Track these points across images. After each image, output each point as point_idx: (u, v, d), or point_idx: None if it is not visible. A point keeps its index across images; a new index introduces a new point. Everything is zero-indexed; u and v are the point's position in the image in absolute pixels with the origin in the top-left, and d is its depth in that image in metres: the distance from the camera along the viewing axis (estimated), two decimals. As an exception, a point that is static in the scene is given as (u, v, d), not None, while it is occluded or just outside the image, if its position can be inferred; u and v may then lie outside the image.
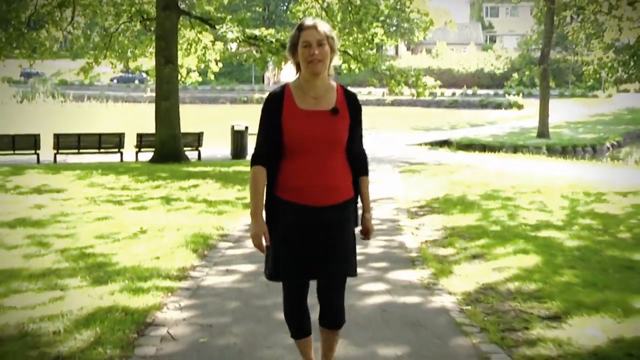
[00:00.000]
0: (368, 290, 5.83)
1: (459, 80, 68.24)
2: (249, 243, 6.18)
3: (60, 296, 5.31)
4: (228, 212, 9.99)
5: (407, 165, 18.59)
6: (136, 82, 67.55)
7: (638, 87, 53.77)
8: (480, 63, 70.95)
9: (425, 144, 27.64)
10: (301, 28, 3.49)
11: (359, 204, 3.73)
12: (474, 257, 7.38)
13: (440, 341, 4.62)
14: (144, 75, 47.08)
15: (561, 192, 13.30)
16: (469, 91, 63.29)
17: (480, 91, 62.92)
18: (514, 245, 7.92)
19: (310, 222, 3.50)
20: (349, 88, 3.69)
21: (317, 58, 3.44)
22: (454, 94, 61.97)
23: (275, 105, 3.52)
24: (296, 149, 3.49)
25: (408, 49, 79.61)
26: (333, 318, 3.72)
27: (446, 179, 15.06)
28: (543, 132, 30.67)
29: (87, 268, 6.32)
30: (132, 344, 4.37)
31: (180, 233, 8.09)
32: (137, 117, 39.79)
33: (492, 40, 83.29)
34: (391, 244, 7.96)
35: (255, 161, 3.57)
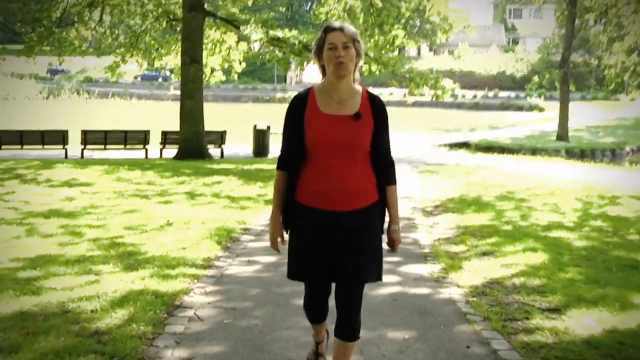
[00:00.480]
0: (381, 282, 6.21)
1: (481, 82, 68.32)
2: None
3: (96, 280, 5.74)
4: (250, 207, 10.41)
5: (425, 165, 18.93)
6: (160, 80, 68.29)
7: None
8: (502, 65, 70.97)
9: (445, 145, 27.89)
10: (327, 30, 3.50)
11: (386, 213, 3.69)
12: (484, 254, 7.73)
13: (445, 327, 5.00)
14: (168, 73, 47.73)
15: (575, 194, 13.57)
16: (490, 93, 63.29)
17: (501, 93, 62.91)
18: (523, 243, 8.24)
19: (329, 226, 3.49)
20: (371, 89, 3.76)
21: (343, 60, 3.42)
22: (475, 96, 62.02)
23: (298, 109, 3.54)
24: (317, 153, 3.48)
25: (430, 50, 79.73)
26: (348, 330, 3.62)
27: (463, 179, 15.37)
28: (562, 135, 30.81)
29: (119, 256, 6.75)
30: (162, 323, 4.79)
31: (204, 226, 8.51)
32: (160, 115, 40.39)
33: (515, 42, 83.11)
34: (406, 240, 8.31)
35: (278, 165, 3.64)
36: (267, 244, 7.69)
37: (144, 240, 7.59)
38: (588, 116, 44.47)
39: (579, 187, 14.81)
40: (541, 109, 52.36)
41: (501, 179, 15.65)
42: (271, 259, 7.01)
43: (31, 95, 57.90)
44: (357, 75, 3.58)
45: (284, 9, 75.15)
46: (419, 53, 78.56)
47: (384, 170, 3.60)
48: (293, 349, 4.39)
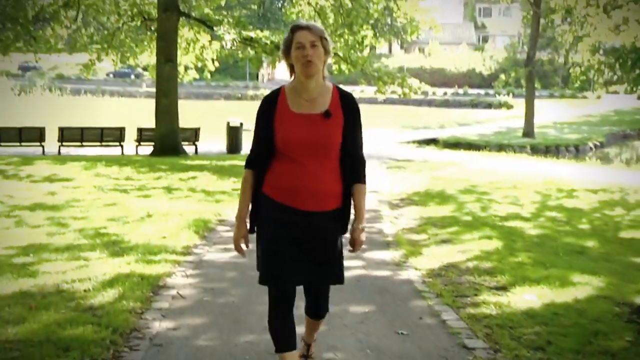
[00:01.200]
0: (346, 265, 6.67)
1: (451, 79, 69.23)
2: None
3: (85, 265, 6.27)
4: (224, 200, 10.95)
5: (394, 161, 19.56)
6: (132, 77, 68.25)
7: (627, 89, 54.70)
8: (472, 63, 72.03)
9: (414, 142, 28.63)
10: (294, 30, 3.52)
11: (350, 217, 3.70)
12: (443, 241, 8.36)
13: (401, 302, 5.62)
14: (140, 70, 47.93)
15: (536, 188, 14.30)
16: (460, 91, 64.26)
17: (471, 91, 63.88)
18: (480, 232, 8.91)
19: (296, 224, 3.51)
20: (342, 86, 3.72)
21: (311, 59, 3.45)
22: (445, 94, 62.92)
23: (268, 108, 3.56)
24: (287, 152, 3.50)
25: (401, 47, 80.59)
26: (317, 311, 3.88)
27: (429, 174, 16.03)
28: (528, 131, 31.74)
29: (104, 244, 7.27)
30: (149, 300, 5.35)
31: (182, 218, 9.04)
32: (134, 112, 40.62)
33: (485, 40, 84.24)
34: (371, 230, 8.89)
35: (247, 164, 3.66)
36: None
37: (126, 231, 8.10)
38: (556, 113, 45.55)
39: (539, 181, 15.55)
40: (510, 106, 53.40)
41: (465, 174, 16.33)
42: (245, 247, 7.56)
43: (2, 92, 57.66)
44: (326, 72, 3.60)
45: (255, 7, 75.45)
46: (390, 50, 79.40)
47: (354, 167, 3.60)
48: (266, 320, 4.96)
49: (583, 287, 6.14)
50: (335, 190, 3.55)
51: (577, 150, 29.65)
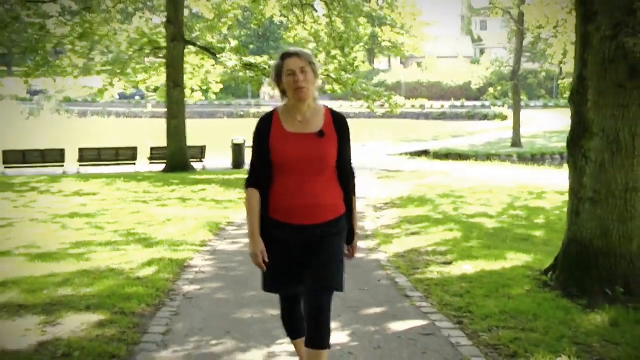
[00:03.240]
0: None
1: (448, 92, 70.81)
2: None
3: (125, 253, 8.09)
4: (232, 207, 12.79)
5: (385, 172, 21.37)
6: (137, 98, 70.08)
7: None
8: (468, 76, 73.86)
9: (407, 153, 30.40)
10: (284, 57, 3.70)
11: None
12: (413, 233, 10.15)
13: (367, 272, 7.43)
14: (144, 92, 49.87)
15: (510, 192, 16.02)
16: (457, 103, 65.91)
17: (468, 103, 65.50)
18: (446, 226, 10.68)
19: (299, 239, 3.71)
20: (334, 102, 4.61)
21: (302, 85, 3.62)
22: (442, 106, 64.60)
23: (264, 129, 3.73)
24: (285, 171, 3.66)
25: (401, 62, 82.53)
26: (318, 337, 3.66)
27: (415, 183, 17.82)
28: (516, 141, 33.56)
29: (136, 240, 9.10)
30: (178, 274, 7.17)
31: (197, 221, 10.87)
32: (141, 132, 42.48)
33: (482, 52, 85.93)
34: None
35: (248, 184, 3.81)
36: (246, 230, 10.17)
37: (152, 231, 9.93)
38: (548, 122, 47.20)
39: (515, 186, 17.29)
40: (504, 117, 54.98)
41: (448, 181, 18.08)
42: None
43: (12, 116, 59.50)
44: (316, 94, 3.78)
45: (255, 22, 77.38)
46: (389, 66, 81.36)
47: (346, 181, 3.82)
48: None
49: (513, 261, 7.91)
50: (334, 202, 3.76)
51: (561, 158, 31.14)
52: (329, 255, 3.72)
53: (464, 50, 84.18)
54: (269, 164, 3.70)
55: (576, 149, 6.57)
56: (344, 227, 3.82)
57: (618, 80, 6.15)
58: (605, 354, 4.64)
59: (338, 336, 5.01)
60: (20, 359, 4.37)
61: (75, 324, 5.14)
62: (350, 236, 3.90)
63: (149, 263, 7.51)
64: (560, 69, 49.36)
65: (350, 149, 3.85)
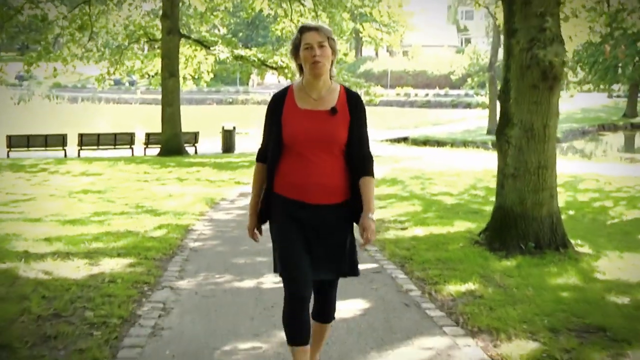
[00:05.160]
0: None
1: (433, 81, 72.54)
2: (240, 202, 10.82)
3: (137, 220, 9.76)
4: (224, 186, 14.47)
5: (364, 157, 23.00)
6: (127, 84, 71.23)
7: (591, 88, 57.86)
8: (453, 65, 75.49)
9: (387, 140, 32.06)
10: (303, 30, 3.61)
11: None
12: (380, 207, 11.81)
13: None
14: (134, 78, 51.34)
15: (476, 175, 17.75)
16: (442, 92, 67.62)
17: (452, 91, 67.27)
18: (409, 202, 12.41)
19: (305, 218, 3.63)
20: None
21: (319, 60, 3.53)
22: (427, 95, 66.38)
23: (277, 106, 3.68)
24: (295, 147, 3.61)
25: (387, 50, 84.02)
26: (325, 314, 3.90)
27: (390, 166, 19.49)
28: (491, 129, 35.31)
29: (145, 211, 10.77)
30: (184, 235, 8.86)
31: (195, 196, 12.53)
32: (132, 118, 44.03)
33: (468, 42, 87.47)
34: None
35: (257, 158, 3.82)
36: (240, 205, 11.87)
37: (157, 204, 11.60)
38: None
39: (481, 170, 18.99)
40: (486, 106, 56.53)
41: (421, 166, 19.79)
42: (241, 212, 11.08)
43: (2, 101, 60.45)
44: (333, 72, 3.71)
45: (245, 15, 78.61)
46: (376, 54, 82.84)
47: (360, 162, 3.68)
48: (259, 244, 8.49)
49: (458, 227, 9.62)
50: (340, 184, 3.66)
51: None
52: (341, 241, 3.71)
53: (449, 39, 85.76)
54: (279, 140, 3.65)
55: (502, 136, 8.28)
56: (353, 211, 3.72)
57: (532, 82, 7.88)
58: (500, 281, 6.39)
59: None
60: (78, 283, 6.05)
61: (111, 265, 6.82)
62: (363, 217, 3.68)
63: (159, 227, 9.20)
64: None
65: (366, 130, 3.75)
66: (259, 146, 3.83)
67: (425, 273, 6.80)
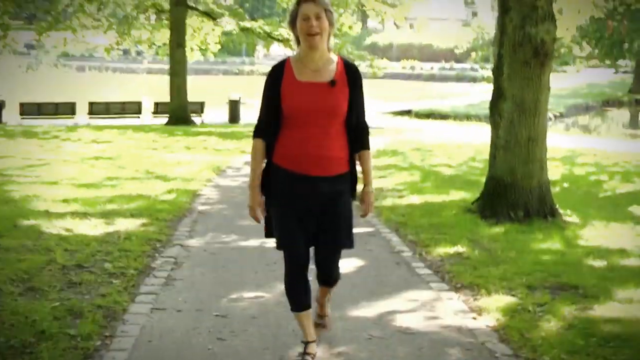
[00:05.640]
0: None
1: (439, 54, 72.64)
2: (245, 170, 11.37)
3: (148, 185, 10.26)
4: (230, 154, 14.95)
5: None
6: (134, 54, 71.30)
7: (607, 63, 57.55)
8: (459, 38, 75.43)
9: (392, 112, 32.38)
10: (300, 2, 3.59)
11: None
12: (380, 177, 12.29)
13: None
14: (140, 48, 51.53)
15: (475, 148, 18.15)
16: (447, 65, 67.67)
17: (457, 65, 67.34)
18: (408, 172, 12.88)
19: (305, 190, 3.66)
20: None
21: (315, 31, 3.53)
22: (432, 68, 66.46)
23: (275, 78, 3.67)
24: (294, 120, 3.63)
25: (394, 22, 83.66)
26: (328, 279, 4.02)
27: (392, 138, 19.90)
28: (495, 104, 35.57)
29: (155, 177, 11.27)
30: (193, 199, 9.38)
31: (202, 163, 13.03)
32: (139, 87, 44.38)
33: (475, 15, 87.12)
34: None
35: (255, 133, 3.78)
36: (244, 173, 12.37)
37: (166, 171, 12.08)
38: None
39: (482, 142, 19.38)
40: (491, 80, 56.60)
41: (423, 138, 20.19)
42: (246, 179, 11.49)
43: (10, 69, 60.73)
44: (331, 43, 3.71)
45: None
46: (383, 27, 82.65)
47: (359, 135, 3.77)
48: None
49: (453, 196, 10.10)
50: (340, 156, 3.71)
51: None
52: (340, 213, 3.76)
53: (456, 12, 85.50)
54: (278, 113, 3.67)
55: (494, 109, 8.75)
56: (350, 184, 3.81)
57: (524, 58, 8.31)
58: (486, 244, 6.90)
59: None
60: (97, 239, 6.59)
61: (126, 225, 7.35)
62: (363, 190, 3.88)
63: (169, 191, 9.71)
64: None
65: (363, 101, 3.80)
66: (257, 121, 3.83)
67: (418, 236, 7.31)
